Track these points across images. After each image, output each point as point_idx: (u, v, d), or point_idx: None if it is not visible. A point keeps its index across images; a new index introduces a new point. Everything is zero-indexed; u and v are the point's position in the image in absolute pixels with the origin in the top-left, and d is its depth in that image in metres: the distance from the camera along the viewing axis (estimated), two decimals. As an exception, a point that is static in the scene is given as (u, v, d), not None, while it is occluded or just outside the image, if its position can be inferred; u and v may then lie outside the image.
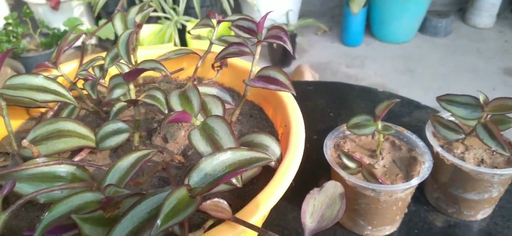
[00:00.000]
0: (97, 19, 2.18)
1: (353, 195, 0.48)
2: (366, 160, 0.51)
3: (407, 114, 0.75)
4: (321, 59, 2.32)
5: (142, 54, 0.58)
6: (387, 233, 0.51)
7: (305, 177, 0.60)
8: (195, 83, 0.53)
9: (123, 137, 0.42)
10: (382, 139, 0.51)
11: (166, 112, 0.39)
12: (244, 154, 0.32)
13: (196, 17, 2.06)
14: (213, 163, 0.31)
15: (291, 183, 0.36)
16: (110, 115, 0.47)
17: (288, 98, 0.48)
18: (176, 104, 0.38)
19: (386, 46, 2.49)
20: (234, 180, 0.33)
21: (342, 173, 0.46)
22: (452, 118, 0.54)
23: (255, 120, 0.52)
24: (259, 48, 0.47)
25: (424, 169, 0.47)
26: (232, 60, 0.56)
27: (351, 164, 0.47)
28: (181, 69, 0.56)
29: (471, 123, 0.51)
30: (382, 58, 2.36)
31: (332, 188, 0.29)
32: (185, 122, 0.47)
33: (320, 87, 0.84)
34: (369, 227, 0.50)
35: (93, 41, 2.35)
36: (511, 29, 2.77)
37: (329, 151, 0.50)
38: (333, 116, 0.74)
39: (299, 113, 0.45)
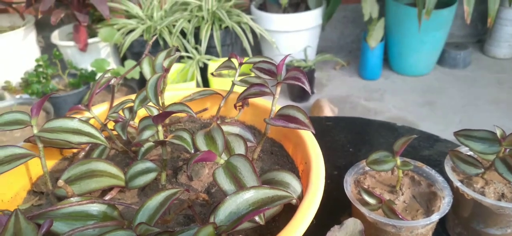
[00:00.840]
0: (122, 59, 2.27)
1: (374, 231, 0.49)
2: (386, 196, 0.52)
3: (427, 148, 0.75)
4: (340, 93, 2.34)
5: (169, 95, 0.62)
6: (410, 269, 0.51)
7: (326, 214, 0.61)
8: (218, 122, 0.55)
9: (151, 176, 0.44)
10: (402, 174, 0.52)
11: (192, 151, 0.41)
12: (267, 192, 0.33)
13: (217, 56, 2.12)
14: (237, 202, 0.32)
15: (313, 221, 0.38)
16: (139, 155, 0.49)
17: (308, 135, 0.49)
18: (202, 144, 0.41)
19: (405, 79, 2.49)
20: (257, 218, 0.35)
21: (363, 209, 0.47)
22: (470, 153, 0.54)
23: (276, 157, 0.53)
24: (278, 89, 0.50)
25: (444, 204, 0.48)
26: (253, 100, 0.59)
27: (371, 200, 0.48)
28: (205, 109, 0.58)
29: (489, 158, 0.51)
30: (401, 91, 2.36)
31: (352, 224, 0.30)
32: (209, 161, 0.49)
33: (339, 122, 0.86)
34: (391, 263, 0.50)
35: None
36: (533, 59, 2.74)
37: (349, 187, 0.51)
38: (353, 152, 0.75)
39: (319, 150, 0.47)
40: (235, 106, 0.55)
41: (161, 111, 0.46)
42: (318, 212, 0.55)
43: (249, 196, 0.33)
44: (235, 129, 0.50)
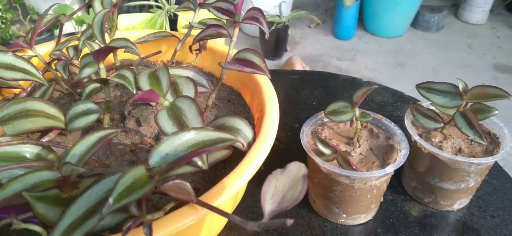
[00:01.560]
0: (88, 7, 2.15)
1: (328, 182, 0.47)
2: (343, 148, 0.50)
3: (391, 104, 0.75)
4: (313, 52, 2.31)
5: (121, 36, 0.57)
6: (362, 221, 0.51)
7: (283, 165, 0.60)
8: (173, 65, 0.52)
9: (92, 118, 0.41)
10: (360, 126, 0.50)
11: (134, 91, 0.38)
12: (209, 134, 0.31)
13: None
14: (175, 143, 0.30)
15: (261, 168, 0.36)
16: (82, 96, 0.46)
17: (265, 83, 0.47)
18: (145, 84, 0.37)
19: (378, 40, 2.49)
20: (199, 162, 0.32)
21: (317, 160, 0.46)
22: (432, 107, 0.53)
23: (233, 105, 0.51)
24: (236, 30, 0.47)
25: (400, 157, 0.47)
26: (211, 44, 0.56)
27: (326, 151, 0.46)
28: (159, 52, 0.55)
29: (450, 112, 0.50)
30: (374, 52, 2.35)
31: (295, 169, 0.28)
32: (154, 103, 0.46)
33: (306, 77, 0.83)
34: (344, 215, 0.50)
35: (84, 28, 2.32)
36: (504, 25, 2.78)
37: (305, 138, 0.49)
38: (316, 105, 0.74)
39: (275, 98, 0.44)
40: (190, 49, 0.52)
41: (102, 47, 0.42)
42: (274, 163, 0.53)
43: (189, 137, 0.30)
44: (189, 73, 0.47)
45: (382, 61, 2.25)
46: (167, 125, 0.34)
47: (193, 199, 0.30)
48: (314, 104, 0.74)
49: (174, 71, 0.47)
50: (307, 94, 0.78)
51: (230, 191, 0.33)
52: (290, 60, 1.95)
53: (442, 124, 0.51)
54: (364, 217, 0.51)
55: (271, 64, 2.18)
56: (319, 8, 2.85)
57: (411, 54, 2.36)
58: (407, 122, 0.52)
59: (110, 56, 0.54)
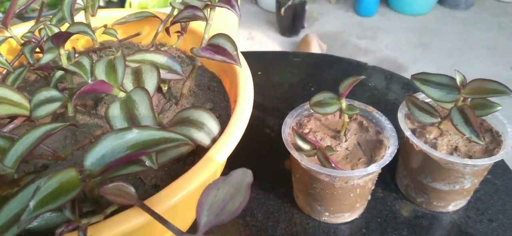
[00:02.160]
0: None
1: (308, 178, 0.44)
2: (328, 142, 0.47)
3: (395, 92, 0.70)
4: (332, 29, 2.24)
5: (102, 16, 0.55)
6: (347, 220, 0.48)
7: (270, 159, 0.57)
8: (152, 49, 0.49)
9: (55, 106, 0.39)
10: (347, 119, 0.47)
11: (89, 81, 0.35)
12: (153, 133, 0.28)
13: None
14: (114, 143, 0.27)
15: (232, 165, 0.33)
16: (51, 82, 0.44)
17: (242, 71, 0.44)
18: (101, 73, 0.35)
19: (402, 18, 2.38)
20: (147, 162, 0.30)
21: (296, 155, 0.43)
22: (428, 100, 0.49)
23: (212, 93, 0.48)
24: (212, 13, 0.43)
25: (386, 155, 0.43)
26: (194, 26, 0.53)
27: (305, 146, 0.43)
28: (138, 34, 0.52)
29: (448, 106, 0.46)
30: (396, 30, 2.26)
31: (239, 176, 0.25)
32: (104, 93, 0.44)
33: (307, 59, 0.79)
34: (327, 213, 0.47)
35: (101, 3, 2.31)
36: (539, 4, 2.61)
37: (287, 130, 0.46)
38: (314, 91, 0.70)
39: (249, 89, 0.41)
40: (167, 31, 0.49)
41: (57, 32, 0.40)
42: (261, 157, 0.50)
43: (130, 137, 0.28)
44: (161, 59, 0.44)
45: (404, 40, 2.16)
46: (118, 120, 0.32)
47: (135, 203, 0.28)
48: (312, 89, 0.71)
49: (146, 56, 0.44)
50: (306, 79, 0.74)
51: (181, 194, 0.30)
52: (306, 38, 1.89)
53: (439, 119, 0.47)
54: (348, 216, 0.48)
55: (287, 41, 2.13)
56: (342, -17, 2.74)
57: (436, 33, 2.25)
58: (400, 116, 0.48)
59: (86, 38, 0.52)
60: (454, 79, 0.44)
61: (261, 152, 0.59)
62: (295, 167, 0.47)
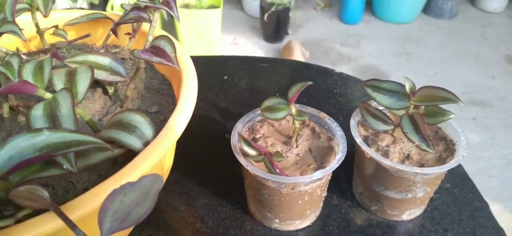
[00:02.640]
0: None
1: (255, 184, 0.43)
2: (279, 147, 0.46)
3: (360, 100, 0.69)
4: (316, 36, 2.24)
5: (56, 16, 0.53)
6: (298, 227, 0.47)
7: (227, 165, 0.56)
8: (102, 51, 0.48)
9: (-13, 106, 0.38)
10: (298, 125, 0.46)
11: (16, 81, 0.34)
12: (65, 136, 0.27)
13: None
14: (22, 145, 0.26)
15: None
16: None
17: (188, 74, 0.43)
18: (28, 74, 0.34)
19: (386, 26, 2.39)
20: (65, 164, 0.28)
21: (242, 161, 0.42)
22: (381, 107, 0.48)
23: (161, 96, 0.47)
24: (156, 14, 0.42)
25: (334, 162, 0.42)
26: (145, 28, 0.51)
27: (250, 151, 0.42)
28: (88, 35, 0.51)
29: (401, 113, 0.45)
30: (380, 38, 2.27)
31: (148, 183, 0.24)
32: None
33: (276, 65, 0.79)
34: (277, 220, 0.46)
35: (84, 5, 2.29)
36: (522, 15, 2.64)
37: (236, 135, 0.45)
38: (278, 96, 0.69)
39: (191, 93, 0.40)
40: (114, 33, 0.47)
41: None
42: (218, 163, 0.48)
43: (40, 139, 0.26)
44: (104, 60, 0.43)
45: (388, 49, 2.17)
46: (38, 121, 0.30)
47: (49, 207, 0.27)
48: (276, 95, 0.69)
49: (88, 58, 0.42)
50: (272, 84, 0.73)
51: (98, 200, 0.29)
52: (289, 45, 1.89)
53: (392, 126, 0.46)
54: (299, 223, 0.47)
55: (271, 47, 2.13)
56: (328, -10, 2.75)
57: (420, 42, 2.26)
58: (353, 123, 0.47)
59: (39, 39, 0.51)
60: (404, 86, 0.43)
61: (219, 157, 0.57)
62: (245, 173, 0.45)
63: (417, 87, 0.43)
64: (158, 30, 0.46)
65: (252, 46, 2.14)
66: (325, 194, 0.47)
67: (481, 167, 1.40)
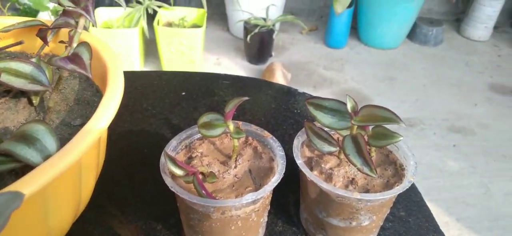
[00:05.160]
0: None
1: (184, 208, 0.40)
2: (216, 167, 0.43)
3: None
4: (300, 58, 2.23)
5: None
6: (235, 256, 0.43)
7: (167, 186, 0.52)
8: (33, 59, 0.45)
9: None
10: (237, 143, 0.43)
11: None
12: None
13: (170, 4, 1.98)
14: None
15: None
16: None
17: (115, 84, 0.39)
18: None
19: (371, 51, 2.40)
20: None
21: (167, 181, 0.38)
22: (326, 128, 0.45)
23: (91, 108, 0.43)
24: (81, 21, 0.39)
25: (267, 185, 0.39)
26: (86, 37, 0.48)
27: (177, 171, 0.39)
28: (20, 43, 0.48)
29: (345, 133, 0.42)
30: (364, 63, 2.26)
31: (3, 201, 0.21)
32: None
33: (237, 83, 0.76)
34: (210, 248, 0.42)
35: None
36: (508, 44, 2.67)
37: (169, 152, 0.42)
38: (236, 115, 0.66)
39: (112, 103, 0.37)
40: (40, 38, 0.44)
41: None
42: (158, 179, 0.44)
43: None
44: (26, 68, 0.40)
45: (371, 74, 2.16)
46: None
47: None
48: (235, 113, 0.66)
49: (10, 65, 0.39)
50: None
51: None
52: (271, 66, 1.87)
53: (338, 148, 0.43)
54: (236, 252, 0.43)
55: (254, 69, 2.11)
56: (314, 14, 2.77)
57: (403, 68, 2.26)
58: (297, 143, 0.44)
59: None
60: (346, 105, 0.41)
61: (160, 177, 0.54)
62: (176, 196, 0.42)
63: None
64: (86, 36, 0.44)
65: (235, 67, 2.12)
66: (264, 219, 0.43)
67: (459, 195, 1.37)
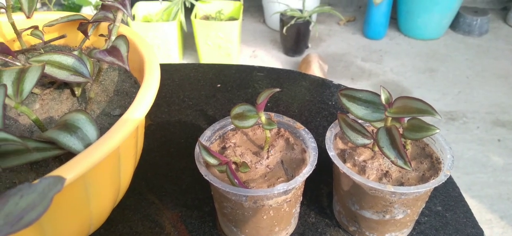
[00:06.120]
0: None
1: (218, 196, 0.41)
2: (249, 158, 0.43)
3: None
4: (337, 50, 2.20)
5: (38, 18, 0.53)
6: (266, 245, 0.44)
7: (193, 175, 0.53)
8: (75, 52, 0.47)
9: None
10: (269, 134, 0.43)
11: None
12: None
13: (207, -4, 2.01)
14: None
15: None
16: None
17: (151, 76, 0.41)
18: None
19: (411, 42, 2.32)
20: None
21: (202, 170, 0.39)
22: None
23: (130, 99, 0.45)
24: (119, 14, 0.41)
25: (299, 176, 0.39)
26: (124, 30, 0.50)
27: (211, 160, 0.39)
28: (63, 36, 0.50)
29: (379, 125, 0.42)
30: (404, 54, 2.20)
31: (46, 185, 0.22)
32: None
33: (272, 75, 0.76)
34: (243, 236, 0.43)
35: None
36: (559, 34, 2.50)
37: (204, 142, 0.43)
38: (270, 106, 0.66)
39: (147, 97, 0.38)
40: (81, 31, 0.46)
41: None
42: (194, 168, 0.45)
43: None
44: (68, 60, 0.42)
45: (411, 65, 2.10)
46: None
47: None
48: (268, 105, 0.67)
49: (53, 57, 0.41)
50: (266, 93, 0.70)
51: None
52: (307, 58, 1.86)
53: (372, 140, 0.42)
54: (268, 241, 0.43)
55: (289, 61, 2.10)
56: (352, 4, 2.71)
57: (445, 59, 2.17)
58: (329, 135, 0.44)
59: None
60: (379, 96, 0.40)
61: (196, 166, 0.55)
62: (210, 184, 0.43)
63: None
64: (124, 30, 0.45)
65: (271, 59, 2.12)
66: (297, 210, 0.43)
67: (503, 192, 1.31)
